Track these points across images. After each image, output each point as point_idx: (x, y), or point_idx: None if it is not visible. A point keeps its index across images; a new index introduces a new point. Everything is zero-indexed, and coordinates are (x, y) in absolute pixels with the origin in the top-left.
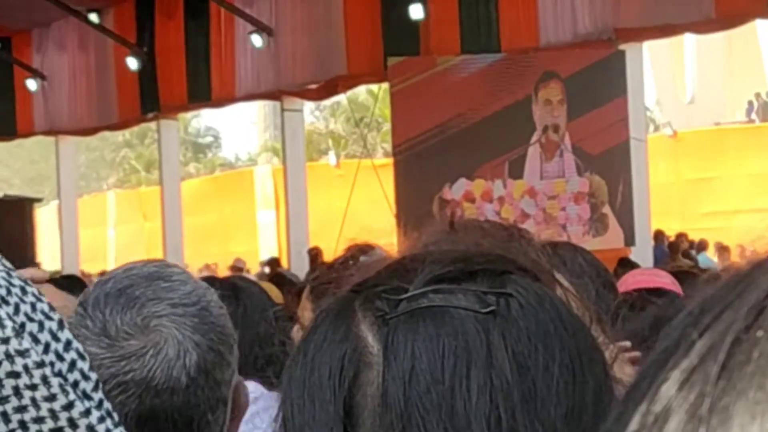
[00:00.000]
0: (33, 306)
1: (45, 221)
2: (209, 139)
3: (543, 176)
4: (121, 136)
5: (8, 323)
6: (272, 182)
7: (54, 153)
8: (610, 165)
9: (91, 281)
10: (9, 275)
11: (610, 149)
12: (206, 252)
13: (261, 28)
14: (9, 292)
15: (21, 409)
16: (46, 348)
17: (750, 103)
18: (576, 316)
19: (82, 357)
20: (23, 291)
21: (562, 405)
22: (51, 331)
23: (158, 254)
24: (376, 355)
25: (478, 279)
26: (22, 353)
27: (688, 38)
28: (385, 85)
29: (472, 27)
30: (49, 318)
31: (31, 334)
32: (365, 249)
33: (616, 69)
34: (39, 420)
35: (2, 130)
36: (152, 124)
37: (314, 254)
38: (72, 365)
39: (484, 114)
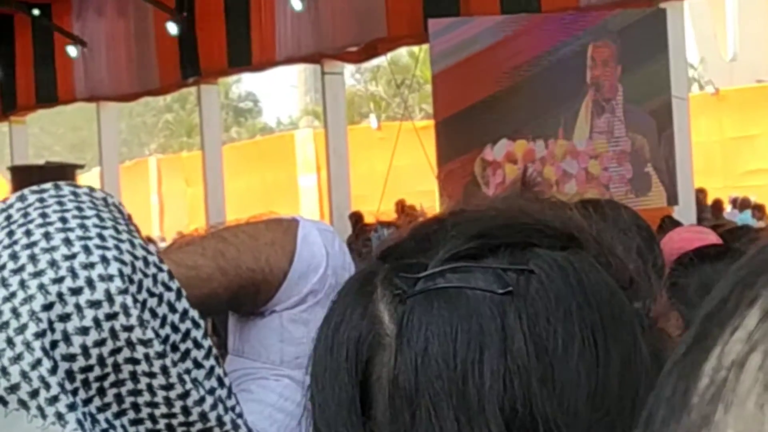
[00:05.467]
0: (154, 278)
1: None
2: (250, 103)
3: (592, 135)
4: (162, 101)
5: (134, 312)
6: (313, 146)
7: (95, 119)
8: (652, 124)
9: None
10: (132, 245)
11: (651, 108)
12: (248, 216)
13: None
14: (134, 269)
15: (136, 392)
16: (163, 321)
17: None
18: (605, 282)
19: (196, 325)
20: (146, 263)
21: (583, 386)
22: (169, 303)
23: (201, 219)
24: (391, 337)
25: (500, 254)
26: (145, 343)
27: None
28: (426, 47)
29: None
30: (169, 289)
31: (150, 309)
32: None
33: (658, 27)
34: (153, 405)
35: (43, 97)
36: (193, 89)
37: (355, 220)
38: (186, 335)
39: (525, 74)
